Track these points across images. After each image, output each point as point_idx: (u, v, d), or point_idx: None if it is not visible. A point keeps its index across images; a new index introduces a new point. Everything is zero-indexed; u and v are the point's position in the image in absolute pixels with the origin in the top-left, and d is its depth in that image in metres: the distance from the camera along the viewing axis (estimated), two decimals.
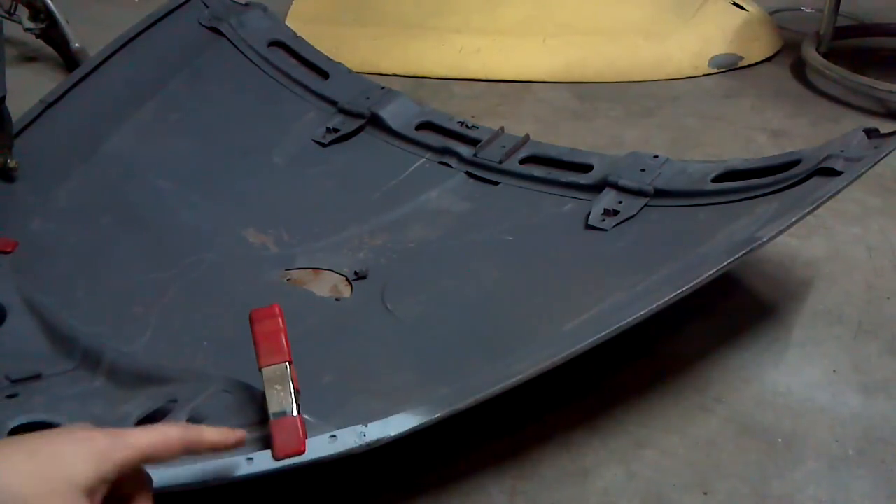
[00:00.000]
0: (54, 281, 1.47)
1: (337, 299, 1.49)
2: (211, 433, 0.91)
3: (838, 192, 1.37)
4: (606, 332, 1.18)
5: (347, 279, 1.53)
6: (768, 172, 1.52)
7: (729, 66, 2.71)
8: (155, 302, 1.44)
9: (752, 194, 1.48)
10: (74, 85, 1.88)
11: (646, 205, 1.57)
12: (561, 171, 1.72)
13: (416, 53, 2.72)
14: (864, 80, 2.40)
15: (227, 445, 0.93)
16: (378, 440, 1.06)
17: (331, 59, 2.10)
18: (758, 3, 2.94)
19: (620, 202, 1.58)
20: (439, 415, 1.09)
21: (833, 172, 1.41)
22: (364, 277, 1.53)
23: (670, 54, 2.69)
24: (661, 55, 2.68)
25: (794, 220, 1.32)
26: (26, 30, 2.67)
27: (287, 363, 1.07)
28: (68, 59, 2.68)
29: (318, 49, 2.12)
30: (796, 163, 1.51)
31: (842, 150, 1.44)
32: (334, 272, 1.55)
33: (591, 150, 1.78)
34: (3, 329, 1.35)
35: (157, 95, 1.91)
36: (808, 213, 1.35)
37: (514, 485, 1.24)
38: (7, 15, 2.62)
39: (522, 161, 1.77)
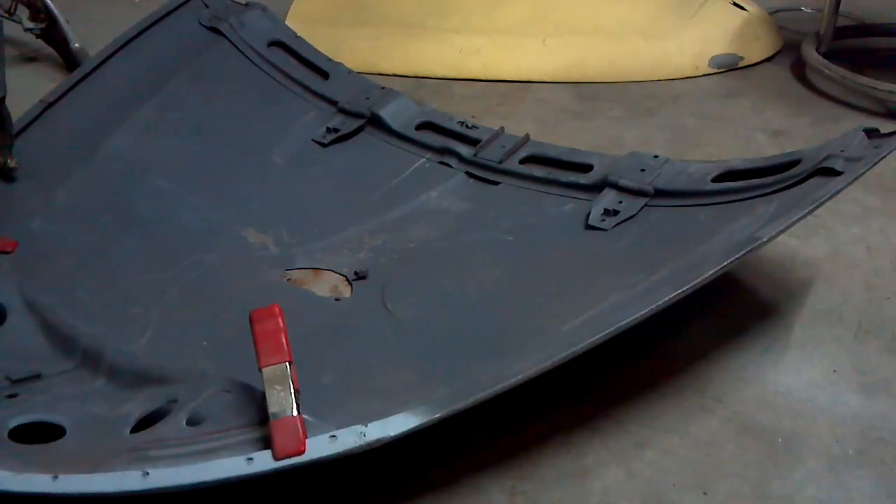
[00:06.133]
0: (54, 281, 1.47)
1: (337, 299, 1.49)
2: None
3: (838, 192, 1.37)
4: (606, 332, 1.18)
5: (347, 279, 1.53)
6: (768, 172, 1.53)
7: (729, 66, 2.71)
8: (155, 302, 1.44)
9: (752, 194, 1.48)
10: (74, 85, 1.88)
11: (646, 205, 1.57)
12: (561, 171, 1.72)
13: (416, 53, 2.72)
14: (864, 80, 2.40)
15: None
16: (378, 440, 1.06)
17: (331, 59, 2.10)
18: (758, 3, 2.94)
19: (620, 202, 1.58)
20: (439, 415, 1.09)
21: (833, 172, 1.41)
22: (364, 277, 1.53)
23: (670, 54, 2.69)
24: (662, 55, 2.68)
25: (794, 220, 1.33)
26: (26, 30, 2.67)
27: (287, 363, 1.07)
28: (68, 59, 2.68)
29: (318, 49, 2.13)
30: (796, 163, 1.51)
31: (842, 150, 1.44)
32: (334, 272, 1.55)
33: (591, 150, 1.78)
34: (3, 329, 1.35)
35: (157, 95, 1.92)
36: (808, 213, 1.35)
37: (514, 485, 1.24)
38: (7, 15, 2.62)
39: (522, 161, 1.77)
